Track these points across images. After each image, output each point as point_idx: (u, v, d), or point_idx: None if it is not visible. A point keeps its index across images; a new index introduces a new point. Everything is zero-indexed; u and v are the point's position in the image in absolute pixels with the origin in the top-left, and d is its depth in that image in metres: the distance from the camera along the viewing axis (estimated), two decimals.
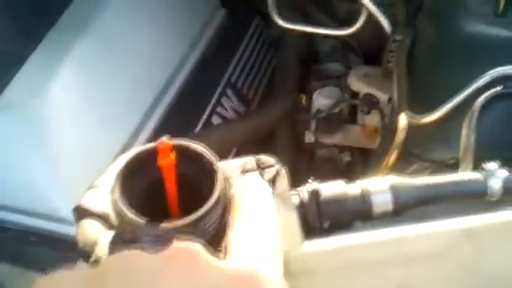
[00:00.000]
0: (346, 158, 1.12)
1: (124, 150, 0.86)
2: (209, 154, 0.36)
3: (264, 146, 1.17)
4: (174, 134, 0.99)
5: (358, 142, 1.07)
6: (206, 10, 1.14)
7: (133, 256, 0.28)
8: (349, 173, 1.14)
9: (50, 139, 0.77)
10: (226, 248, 0.32)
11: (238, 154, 1.06)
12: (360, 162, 1.12)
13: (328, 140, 1.08)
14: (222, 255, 0.32)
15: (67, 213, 0.48)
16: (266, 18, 0.93)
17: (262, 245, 0.31)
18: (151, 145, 0.35)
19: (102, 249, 0.39)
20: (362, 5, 0.87)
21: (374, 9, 0.87)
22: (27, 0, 0.84)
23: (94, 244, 0.44)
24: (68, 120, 0.79)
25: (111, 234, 0.39)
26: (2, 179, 0.80)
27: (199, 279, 0.26)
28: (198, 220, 0.32)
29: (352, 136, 1.06)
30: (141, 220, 0.32)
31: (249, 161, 0.39)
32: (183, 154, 0.35)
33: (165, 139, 0.35)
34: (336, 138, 1.07)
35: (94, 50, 0.85)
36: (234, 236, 0.32)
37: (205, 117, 1.05)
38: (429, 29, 0.80)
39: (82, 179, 0.73)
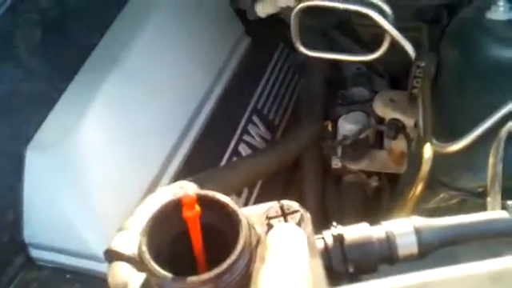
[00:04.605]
0: (374, 182, 1.12)
1: (154, 183, 0.88)
2: (233, 203, 0.36)
3: (290, 173, 1.18)
4: (202, 165, 0.99)
5: (385, 168, 1.06)
6: (232, 39, 1.15)
7: None
8: (377, 198, 1.13)
9: (82, 179, 0.79)
10: None
11: (264, 183, 1.08)
12: (388, 186, 1.11)
13: (355, 166, 1.08)
14: None
15: (101, 250, 0.49)
16: (291, 44, 0.94)
17: None
18: (175, 197, 0.36)
19: None
20: (385, 30, 0.87)
21: (397, 34, 0.86)
22: (58, 42, 0.87)
23: (125, 286, 0.44)
24: (99, 159, 0.81)
25: (141, 276, 0.40)
26: (37, 219, 0.82)
27: None
28: (223, 273, 0.33)
29: (379, 161, 1.06)
30: (167, 274, 0.33)
31: (273, 207, 0.39)
32: (208, 204, 0.36)
33: (190, 192, 0.36)
34: (363, 164, 1.07)
35: (122, 87, 0.87)
36: (261, 286, 0.32)
37: (232, 146, 1.05)
38: (452, 54, 0.79)
39: (113, 217, 0.75)
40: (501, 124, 0.66)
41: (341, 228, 0.40)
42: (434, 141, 0.71)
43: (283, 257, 0.34)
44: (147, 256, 0.34)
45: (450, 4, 0.93)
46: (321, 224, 0.40)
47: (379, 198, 1.13)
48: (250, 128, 1.12)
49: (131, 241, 0.50)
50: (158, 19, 0.98)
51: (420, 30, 0.93)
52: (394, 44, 0.87)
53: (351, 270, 0.39)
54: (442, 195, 0.74)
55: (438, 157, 0.71)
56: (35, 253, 0.85)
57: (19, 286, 0.81)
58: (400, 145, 0.98)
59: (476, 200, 0.70)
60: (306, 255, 0.35)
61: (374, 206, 1.11)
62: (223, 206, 0.36)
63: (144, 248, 0.34)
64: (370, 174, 1.13)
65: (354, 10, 0.84)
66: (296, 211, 0.39)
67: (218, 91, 1.07)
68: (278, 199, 0.39)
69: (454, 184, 0.73)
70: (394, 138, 0.93)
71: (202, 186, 0.57)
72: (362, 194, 1.12)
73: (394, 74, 1.15)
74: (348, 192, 1.13)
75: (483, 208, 0.64)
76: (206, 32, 1.07)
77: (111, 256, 0.48)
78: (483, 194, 0.66)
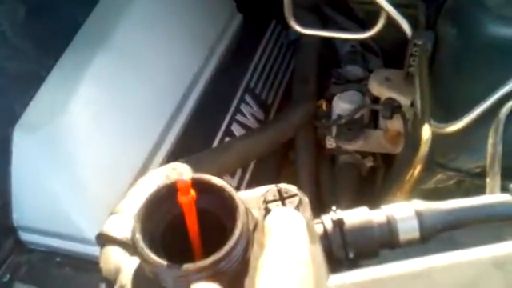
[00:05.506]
0: (369, 163, 1.11)
1: (146, 163, 0.87)
2: (229, 187, 0.35)
3: (284, 153, 1.17)
4: (195, 145, 0.98)
5: (381, 148, 1.05)
6: (223, 16, 1.13)
7: None
8: (372, 178, 1.13)
9: (72, 159, 0.78)
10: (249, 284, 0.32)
11: (258, 163, 1.07)
12: (383, 167, 1.10)
13: (349, 146, 1.07)
14: None
15: (91, 233, 0.48)
16: (283, 21, 0.93)
17: (289, 283, 0.30)
18: (169, 180, 0.35)
19: (125, 276, 0.39)
20: (381, 7, 0.85)
21: (393, 11, 0.85)
22: (43, 19, 0.85)
23: (117, 271, 0.43)
24: (89, 139, 0.80)
25: (134, 260, 0.39)
26: (26, 201, 0.81)
27: None
28: (220, 260, 0.32)
29: (374, 141, 1.05)
30: (162, 262, 0.32)
31: (270, 191, 0.38)
32: (203, 189, 0.35)
33: (183, 174, 0.34)
34: (357, 144, 1.06)
35: (112, 65, 0.85)
36: (262, 274, 0.31)
37: (224, 125, 1.04)
38: (450, 32, 0.78)
39: (104, 198, 0.74)
40: (500, 104, 0.65)
41: (340, 212, 0.39)
42: (432, 121, 0.70)
43: (282, 242, 0.33)
44: (141, 243, 0.33)
45: None
46: (315, 204, 0.39)
47: (374, 178, 1.12)
48: (243, 107, 1.11)
49: (124, 224, 0.49)
50: None
51: (417, 7, 0.91)
52: (390, 21, 0.85)
53: (351, 255, 0.38)
54: (439, 176, 0.74)
55: (435, 137, 0.70)
56: (25, 236, 0.84)
57: (9, 269, 0.81)
58: (396, 125, 0.97)
59: (474, 181, 0.70)
60: (306, 241, 0.33)
61: (369, 186, 1.11)
62: (219, 191, 0.35)
63: (138, 235, 0.33)
64: (364, 154, 1.12)
65: None
66: (294, 195, 0.38)
67: (209, 70, 1.06)
68: (273, 180, 0.38)
69: (451, 165, 0.72)
70: (390, 117, 0.92)
71: (195, 167, 0.55)
72: (357, 175, 1.12)
73: (388, 53, 1.14)
74: (342, 172, 1.12)
75: (481, 189, 0.63)
76: (196, 8, 1.05)
77: (103, 240, 0.47)
78: (481, 175, 0.65)
